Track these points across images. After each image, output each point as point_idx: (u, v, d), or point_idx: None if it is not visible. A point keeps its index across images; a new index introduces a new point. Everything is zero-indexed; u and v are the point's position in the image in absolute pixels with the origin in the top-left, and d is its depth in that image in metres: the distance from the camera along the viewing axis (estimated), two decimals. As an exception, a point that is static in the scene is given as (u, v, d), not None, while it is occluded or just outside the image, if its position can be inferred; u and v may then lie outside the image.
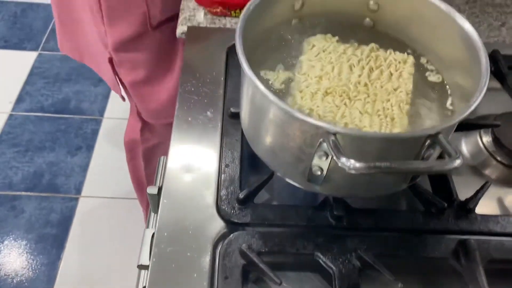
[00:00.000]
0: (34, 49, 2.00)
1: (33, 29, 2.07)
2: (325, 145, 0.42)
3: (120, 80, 0.94)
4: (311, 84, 0.53)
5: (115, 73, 0.93)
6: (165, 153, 1.09)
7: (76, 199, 1.56)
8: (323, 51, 0.56)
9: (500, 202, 0.62)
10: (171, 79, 0.94)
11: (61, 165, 1.64)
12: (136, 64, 0.90)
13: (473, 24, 0.80)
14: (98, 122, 1.77)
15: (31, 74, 1.90)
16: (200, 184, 0.55)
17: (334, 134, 0.41)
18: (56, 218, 1.51)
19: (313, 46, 0.56)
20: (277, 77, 0.55)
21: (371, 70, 0.54)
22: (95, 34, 0.89)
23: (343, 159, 0.38)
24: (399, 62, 0.55)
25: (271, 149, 0.51)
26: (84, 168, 1.64)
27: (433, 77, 0.56)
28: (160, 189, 0.59)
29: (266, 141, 0.51)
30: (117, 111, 1.80)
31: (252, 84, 0.45)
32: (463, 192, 0.58)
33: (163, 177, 0.57)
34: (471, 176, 0.64)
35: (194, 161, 0.57)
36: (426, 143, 0.43)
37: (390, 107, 0.51)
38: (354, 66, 0.55)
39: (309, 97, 0.51)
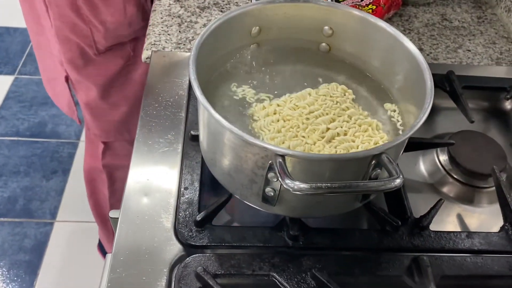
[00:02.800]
0: (11, 73, 1.99)
1: (10, 53, 2.07)
2: (274, 166, 0.43)
3: (75, 101, 0.97)
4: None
5: (71, 93, 0.96)
6: None
7: (51, 224, 1.54)
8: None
9: (459, 218, 0.63)
10: (126, 103, 0.96)
11: (36, 190, 1.62)
12: (89, 85, 0.93)
13: (431, 46, 0.83)
14: (74, 146, 1.76)
15: (7, 98, 1.89)
16: (158, 207, 0.55)
17: (282, 156, 0.42)
18: (30, 243, 1.49)
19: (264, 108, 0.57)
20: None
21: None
22: (53, 54, 0.91)
23: (288, 181, 0.39)
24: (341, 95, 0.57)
25: (227, 172, 0.51)
26: (60, 192, 1.62)
27: (388, 105, 0.58)
28: (122, 212, 0.59)
29: (222, 163, 0.51)
30: (94, 134, 1.79)
31: (205, 110, 0.46)
32: (421, 209, 0.59)
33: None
34: (429, 194, 0.65)
35: (153, 184, 0.57)
36: (372, 163, 0.45)
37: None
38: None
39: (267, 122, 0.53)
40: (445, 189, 0.65)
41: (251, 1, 0.59)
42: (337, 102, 0.56)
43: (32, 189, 1.62)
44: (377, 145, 0.51)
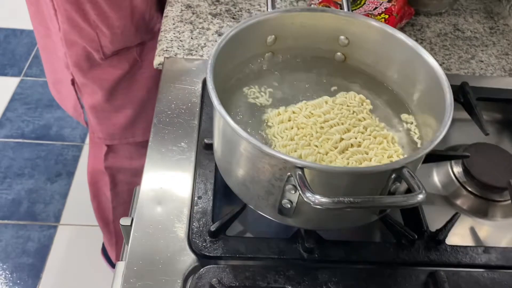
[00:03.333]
0: (16, 75, 1.99)
1: (16, 54, 2.07)
2: (293, 179, 0.43)
3: (81, 104, 0.97)
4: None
5: (78, 96, 0.95)
6: (131, 180, 1.11)
7: (55, 227, 1.54)
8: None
9: (472, 231, 0.62)
10: (131, 106, 0.96)
11: (40, 192, 1.62)
12: (95, 88, 0.93)
13: (444, 56, 0.83)
14: (79, 148, 1.76)
15: (13, 100, 1.89)
16: (172, 216, 0.54)
17: (301, 168, 0.42)
18: (33, 247, 1.48)
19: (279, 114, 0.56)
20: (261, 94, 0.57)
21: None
22: (60, 57, 0.91)
23: (309, 194, 0.39)
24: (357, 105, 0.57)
25: (242, 182, 0.51)
26: (64, 195, 1.62)
27: (405, 115, 0.58)
28: (133, 220, 0.59)
29: (237, 173, 0.51)
30: (99, 137, 1.79)
31: (222, 118, 0.46)
32: (436, 222, 0.58)
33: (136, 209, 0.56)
34: (443, 206, 0.65)
35: (167, 193, 0.57)
36: (392, 177, 0.44)
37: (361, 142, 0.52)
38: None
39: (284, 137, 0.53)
40: (459, 202, 0.64)
41: (267, 10, 0.58)
42: (353, 112, 0.56)
43: (37, 192, 1.62)
44: (393, 158, 0.50)
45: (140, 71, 0.95)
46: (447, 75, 0.77)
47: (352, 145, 0.52)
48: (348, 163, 0.50)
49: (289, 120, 0.56)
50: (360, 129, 0.53)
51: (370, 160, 0.50)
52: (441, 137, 0.45)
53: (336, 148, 0.51)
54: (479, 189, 0.63)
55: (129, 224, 0.60)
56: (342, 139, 0.52)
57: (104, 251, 1.42)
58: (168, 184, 0.58)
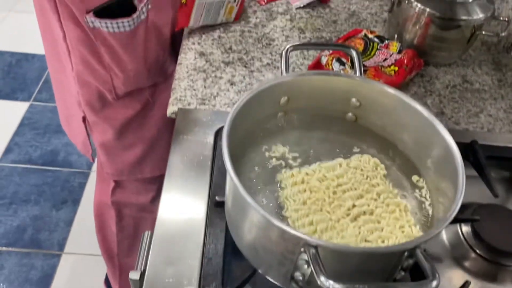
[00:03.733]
0: (26, 99, 2.01)
1: (27, 79, 2.10)
2: (306, 255, 0.43)
3: (90, 141, 0.99)
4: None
5: (88, 133, 0.97)
6: (138, 215, 1.12)
7: (59, 256, 1.53)
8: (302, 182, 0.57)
9: (481, 296, 0.62)
10: (141, 144, 0.97)
11: (45, 220, 1.62)
12: (105, 127, 0.94)
13: (452, 110, 0.84)
14: (85, 176, 1.76)
15: (21, 124, 1.91)
16: (182, 278, 0.54)
17: (315, 247, 0.42)
18: (36, 275, 1.48)
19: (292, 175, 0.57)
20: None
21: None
22: (72, 94, 0.93)
23: (323, 278, 0.39)
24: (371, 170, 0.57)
25: (253, 247, 0.51)
26: (69, 223, 1.62)
27: (416, 177, 0.58)
28: (142, 274, 0.59)
29: (248, 238, 0.51)
30: (106, 164, 1.80)
31: (236, 188, 0.46)
32: (444, 283, 0.59)
33: (144, 262, 0.57)
34: (452, 267, 0.64)
35: (177, 253, 0.57)
36: (405, 255, 0.44)
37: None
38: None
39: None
40: (467, 264, 0.64)
41: (281, 74, 0.59)
42: (367, 176, 0.56)
43: (42, 219, 1.62)
44: (404, 229, 0.50)
45: (151, 111, 0.96)
46: (456, 130, 0.79)
47: (364, 212, 0.52)
48: (359, 232, 0.50)
49: (302, 182, 0.56)
50: (373, 196, 0.54)
51: (382, 230, 0.50)
52: (453, 216, 0.45)
53: (348, 215, 0.52)
54: (489, 252, 0.63)
55: (138, 278, 0.60)
56: (354, 205, 0.53)
57: (107, 282, 1.42)
58: (179, 244, 0.58)
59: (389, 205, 0.53)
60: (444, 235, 0.67)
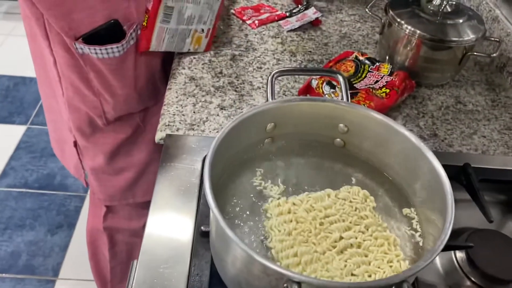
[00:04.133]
0: (23, 123, 2.01)
1: (24, 102, 2.11)
2: (289, 291, 0.41)
3: (82, 165, 0.98)
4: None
5: (80, 158, 0.96)
6: (130, 240, 1.10)
7: (53, 282, 1.51)
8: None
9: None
10: (132, 168, 0.96)
11: (40, 245, 1.60)
12: (96, 152, 0.93)
13: (446, 131, 0.83)
14: (81, 199, 1.75)
15: (18, 148, 1.91)
16: (165, 313, 0.53)
17: (298, 283, 0.41)
18: (30, 302, 1.45)
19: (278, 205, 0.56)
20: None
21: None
22: (63, 119, 0.92)
23: (304, 317, 0.37)
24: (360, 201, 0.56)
25: (237, 283, 0.50)
26: (64, 248, 1.60)
27: (406, 210, 0.57)
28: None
29: (232, 272, 0.50)
30: (102, 187, 1.79)
31: (217, 220, 0.45)
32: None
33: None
34: (447, 296, 0.62)
35: (161, 285, 0.55)
36: (392, 288, 0.43)
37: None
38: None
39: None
40: (463, 293, 0.62)
41: (267, 100, 0.58)
42: (356, 208, 0.55)
43: (36, 244, 1.60)
44: (392, 264, 0.49)
45: (142, 135, 0.96)
46: (449, 153, 0.78)
47: (351, 245, 0.51)
48: (345, 265, 0.49)
49: (289, 212, 0.55)
50: (361, 228, 0.52)
51: (369, 264, 0.49)
52: (441, 247, 0.43)
53: (334, 247, 0.50)
54: (484, 280, 0.61)
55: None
56: (341, 237, 0.51)
57: None
58: (163, 274, 0.56)
59: (378, 238, 0.52)
60: (439, 263, 0.65)
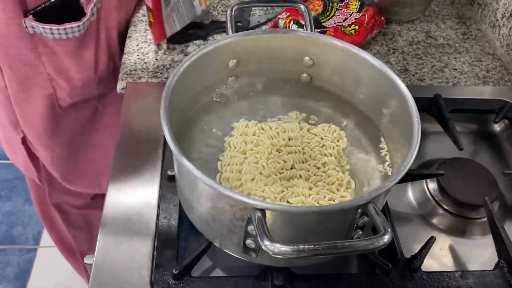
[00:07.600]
0: None
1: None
2: (253, 221, 0.40)
3: (34, 162, 0.88)
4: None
5: (29, 154, 0.86)
6: (83, 212, 1.05)
7: (34, 250, 1.49)
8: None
9: (451, 251, 0.61)
10: (94, 152, 0.89)
11: (18, 214, 1.57)
12: (51, 144, 0.83)
13: (416, 66, 0.81)
14: (57, 167, 1.71)
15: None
16: (134, 258, 0.51)
17: (262, 210, 0.39)
18: (12, 272, 1.43)
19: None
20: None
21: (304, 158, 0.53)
22: (6, 116, 0.81)
23: (267, 242, 0.36)
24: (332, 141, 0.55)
25: (204, 220, 0.48)
26: (43, 216, 1.57)
27: (375, 140, 0.56)
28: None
29: (199, 211, 0.48)
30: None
31: (178, 159, 0.43)
32: (413, 243, 0.57)
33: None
34: (420, 225, 0.63)
35: (129, 232, 0.54)
36: (359, 212, 0.42)
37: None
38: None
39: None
40: (435, 221, 0.63)
41: (227, 34, 0.55)
42: (323, 145, 0.54)
43: (14, 214, 1.57)
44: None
45: (101, 118, 0.86)
46: (420, 86, 0.77)
47: (300, 176, 0.50)
48: (282, 191, 0.48)
49: (254, 135, 0.54)
50: (317, 164, 0.51)
51: (309, 196, 0.48)
52: (405, 171, 0.42)
53: (281, 173, 0.50)
54: (455, 207, 0.62)
55: (92, 262, 0.57)
56: (293, 167, 0.51)
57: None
58: (130, 222, 0.55)
59: (331, 176, 0.50)
60: (411, 195, 0.65)
